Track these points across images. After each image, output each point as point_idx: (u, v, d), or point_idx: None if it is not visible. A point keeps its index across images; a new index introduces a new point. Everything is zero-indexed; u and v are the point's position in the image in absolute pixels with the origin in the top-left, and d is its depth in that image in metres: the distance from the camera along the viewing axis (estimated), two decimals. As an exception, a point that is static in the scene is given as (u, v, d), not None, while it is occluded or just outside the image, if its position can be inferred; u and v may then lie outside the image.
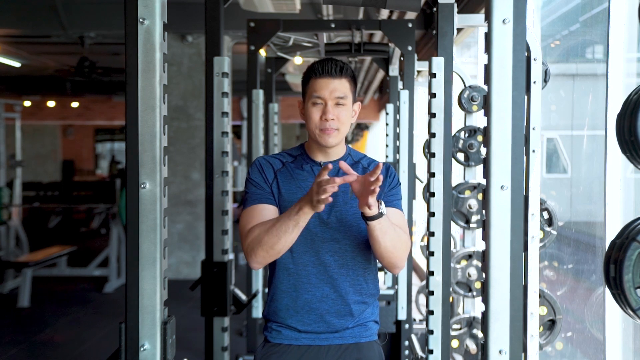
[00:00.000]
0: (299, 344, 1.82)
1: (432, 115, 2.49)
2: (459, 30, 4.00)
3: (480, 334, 1.75)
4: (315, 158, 1.86)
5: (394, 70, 4.83)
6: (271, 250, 1.69)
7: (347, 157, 1.89)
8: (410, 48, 3.90)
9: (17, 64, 9.38)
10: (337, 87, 1.79)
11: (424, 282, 3.81)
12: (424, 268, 4.13)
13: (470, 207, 3.34)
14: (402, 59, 4.08)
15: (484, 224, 1.46)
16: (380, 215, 1.66)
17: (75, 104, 13.94)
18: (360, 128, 19.53)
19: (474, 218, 3.37)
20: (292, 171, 1.85)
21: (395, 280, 4.27)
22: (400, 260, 1.78)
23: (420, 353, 3.54)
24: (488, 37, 1.42)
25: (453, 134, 2.88)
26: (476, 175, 3.48)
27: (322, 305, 1.80)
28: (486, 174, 1.45)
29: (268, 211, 1.79)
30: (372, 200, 1.61)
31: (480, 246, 2.40)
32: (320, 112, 1.79)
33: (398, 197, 1.89)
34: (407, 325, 4.03)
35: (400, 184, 1.91)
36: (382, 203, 1.68)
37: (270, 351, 1.84)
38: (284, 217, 1.67)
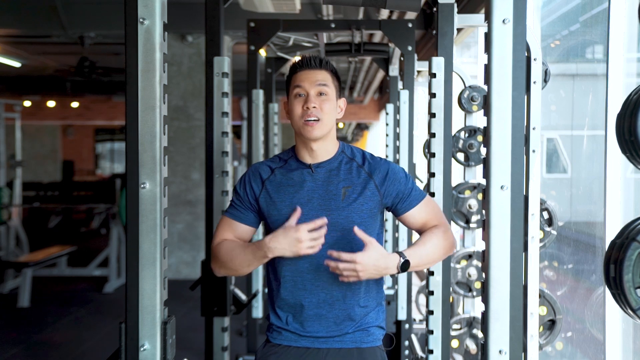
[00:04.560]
0: (298, 345, 1.81)
1: (432, 115, 2.49)
2: (459, 30, 4.00)
3: (480, 334, 1.75)
4: (303, 160, 1.82)
5: (394, 70, 4.83)
6: (234, 272, 1.83)
7: (340, 155, 1.83)
8: (410, 48, 3.90)
9: (17, 64, 9.38)
10: (317, 77, 1.79)
11: (424, 282, 3.81)
12: (424, 268, 4.12)
13: (470, 207, 3.34)
14: (402, 59, 4.08)
15: (484, 224, 1.46)
16: (407, 265, 1.71)
17: (75, 104, 13.94)
18: (360, 128, 19.53)
19: (474, 218, 3.36)
20: (282, 177, 1.82)
21: (395, 280, 4.27)
22: (449, 252, 1.85)
23: (420, 353, 3.54)
24: (488, 37, 1.42)
25: (453, 134, 2.88)
26: (476, 175, 3.48)
27: (320, 311, 1.78)
28: (486, 174, 1.45)
29: (241, 231, 1.86)
30: (369, 274, 1.69)
31: (480, 246, 2.40)
32: (303, 103, 1.78)
33: (414, 190, 1.84)
34: (407, 325, 4.03)
35: (408, 176, 1.85)
36: (399, 256, 1.71)
37: (270, 351, 1.84)
38: (249, 253, 1.76)
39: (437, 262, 1.81)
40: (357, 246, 1.78)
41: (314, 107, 1.76)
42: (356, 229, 1.69)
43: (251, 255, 1.75)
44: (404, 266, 1.70)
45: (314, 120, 1.76)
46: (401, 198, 1.82)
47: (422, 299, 4.34)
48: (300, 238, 1.68)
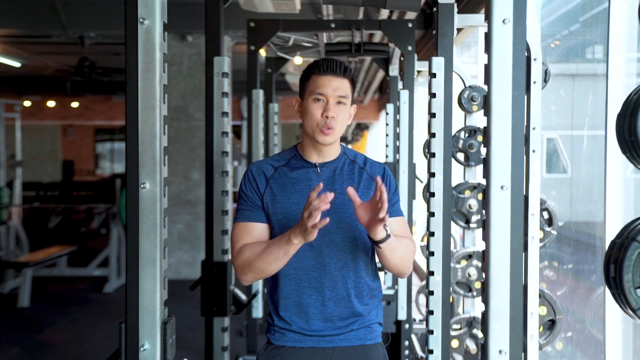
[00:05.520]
0: (303, 346, 1.80)
1: (432, 115, 2.49)
2: (459, 30, 4.01)
3: (480, 334, 1.75)
4: (309, 159, 1.84)
5: (394, 70, 4.83)
6: (262, 273, 1.73)
7: (342, 156, 1.86)
8: (410, 48, 3.90)
9: (17, 64, 9.38)
10: (339, 86, 1.78)
11: (424, 282, 3.81)
12: (424, 268, 4.13)
13: (470, 207, 3.34)
14: (402, 59, 4.08)
15: (484, 224, 1.46)
16: (388, 237, 1.68)
17: (75, 104, 13.94)
18: (360, 128, 19.52)
19: (474, 218, 3.37)
20: (285, 176, 1.82)
21: (395, 280, 4.27)
22: (408, 269, 1.84)
23: (420, 353, 3.54)
24: (488, 37, 1.42)
25: (453, 134, 2.88)
26: (476, 175, 3.48)
27: (325, 310, 1.79)
28: (486, 174, 1.45)
29: (258, 230, 1.80)
30: (381, 226, 1.63)
31: (480, 246, 2.40)
32: (322, 109, 1.77)
33: (398, 203, 1.89)
34: (407, 325, 4.03)
35: (397, 186, 1.90)
36: (387, 225, 1.69)
37: (273, 353, 1.82)
38: (274, 245, 1.69)
39: (398, 264, 1.79)
40: (362, 244, 1.80)
41: (333, 116, 1.77)
42: (349, 189, 1.64)
43: (276, 247, 1.68)
44: (386, 236, 1.68)
45: (331, 129, 1.77)
46: (390, 197, 1.84)
47: (422, 299, 4.35)
48: (302, 216, 1.60)
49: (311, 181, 1.81)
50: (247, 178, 1.84)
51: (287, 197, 1.80)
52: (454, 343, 3.33)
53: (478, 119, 3.53)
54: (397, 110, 4.31)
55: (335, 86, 1.78)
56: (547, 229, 2.73)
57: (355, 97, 1.89)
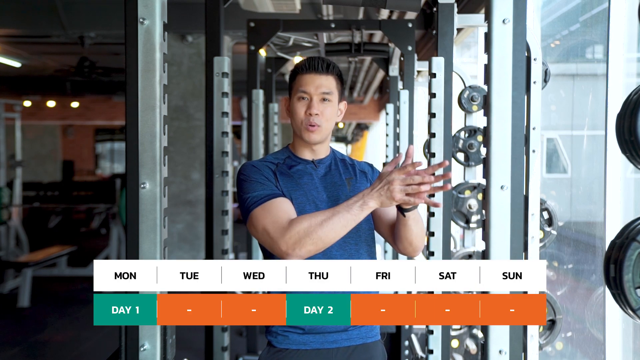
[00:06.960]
0: (307, 348, 1.78)
1: (432, 115, 2.49)
2: (459, 30, 4.01)
3: (480, 334, 1.75)
4: (303, 156, 1.85)
5: (394, 70, 4.83)
6: (320, 243, 1.61)
7: (332, 153, 1.90)
8: (410, 48, 3.90)
9: (17, 64, 9.38)
10: (323, 83, 1.79)
11: (424, 282, 3.80)
12: (424, 268, 4.12)
13: (470, 207, 3.34)
14: (402, 59, 4.08)
15: (484, 224, 1.46)
16: (417, 205, 1.65)
17: (75, 104, 13.93)
18: (360, 128, 19.52)
19: (474, 218, 3.37)
20: (287, 171, 1.82)
21: (395, 280, 4.27)
22: (423, 244, 1.84)
23: (420, 353, 3.54)
24: (488, 37, 1.42)
25: (453, 134, 2.88)
26: (476, 175, 3.48)
27: None
28: (486, 174, 1.45)
29: (290, 205, 1.72)
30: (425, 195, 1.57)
31: (480, 246, 2.40)
32: (305, 107, 1.79)
33: None
34: (407, 325, 4.03)
35: None
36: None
37: (276, 357, 1.79)
38: (342, 211, 1.60)
39: (420, 235, 1.76)
40: (364, 234, 1.82)
41: (317, 114, 1.78)
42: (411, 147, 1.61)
43: (345, 212, 1.59)
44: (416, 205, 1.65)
45: (315, 126, 1.79)
46: None
47: (422, 299, 4.34)
48: (391, 179, 1.55)
49: (312, 176, 1.82)
50: (253, 168, 1.80)
51: (294, 189, 1.78)
52: (454, 343, 3.33)
53: (478, 119, 3.53)
54: (397, 110, 4.31)
55: (319, 84, 1.79)
56: (547, 229, 2.73)
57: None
